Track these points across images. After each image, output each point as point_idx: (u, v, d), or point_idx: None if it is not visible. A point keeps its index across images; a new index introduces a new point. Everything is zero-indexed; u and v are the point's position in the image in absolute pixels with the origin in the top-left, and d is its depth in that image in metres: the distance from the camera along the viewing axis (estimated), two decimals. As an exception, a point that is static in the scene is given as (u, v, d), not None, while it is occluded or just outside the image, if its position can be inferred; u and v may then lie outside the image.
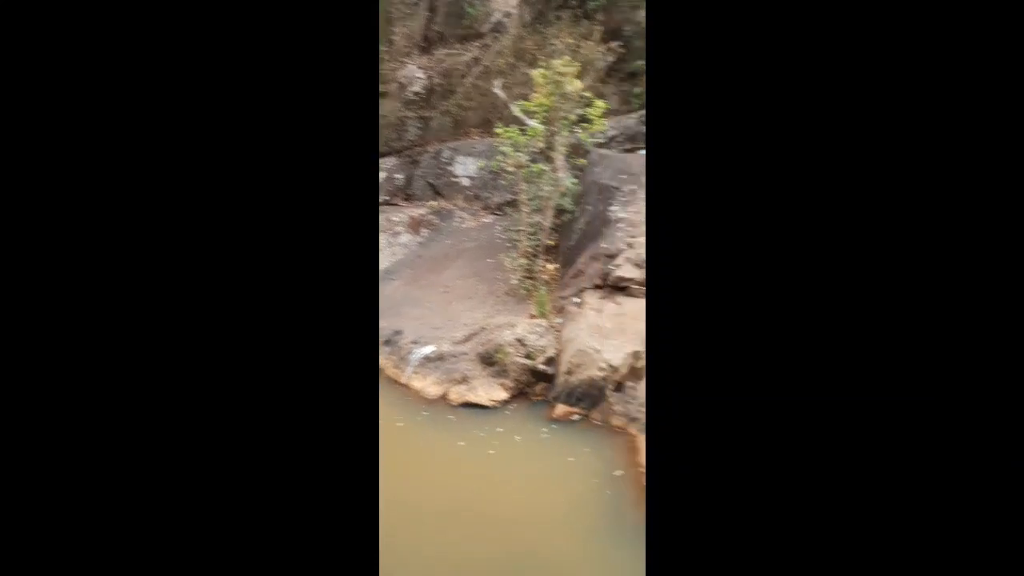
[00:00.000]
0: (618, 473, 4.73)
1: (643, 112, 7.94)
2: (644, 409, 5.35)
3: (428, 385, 5.68)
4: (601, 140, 7.62)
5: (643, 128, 7.83)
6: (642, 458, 4.91)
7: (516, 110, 7.27)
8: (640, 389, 5.48)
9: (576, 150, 7.35)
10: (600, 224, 6.68)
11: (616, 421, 5.34)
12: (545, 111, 6.68)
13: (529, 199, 6.90)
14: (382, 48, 7.90)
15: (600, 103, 6.74)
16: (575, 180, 7.11)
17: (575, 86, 6.59)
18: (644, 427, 5.18)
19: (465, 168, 8.37)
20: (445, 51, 8.34)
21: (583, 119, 6.77)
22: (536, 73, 6.66)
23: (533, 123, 6.78)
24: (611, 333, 5.77)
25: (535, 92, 6.73)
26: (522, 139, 6.61)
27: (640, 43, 8.15)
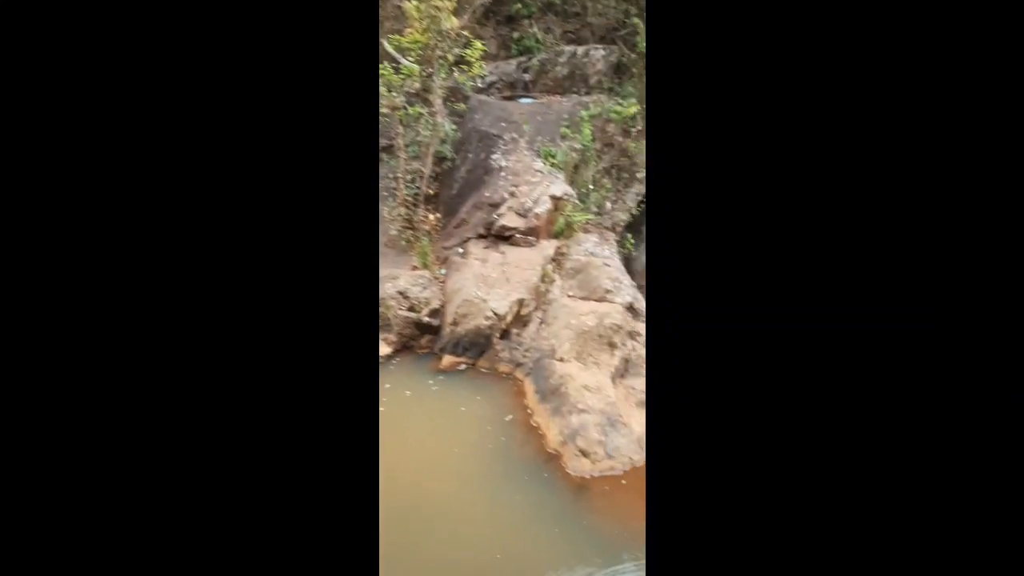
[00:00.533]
0: (509, 418, 4.85)
1: (521, 58, 7.81)
2: (529, 354, 5.50)
3: (304, 345, 5.27)
4: (480, 86, 7.39)
5: (523, 75, 7.73)
6: (529, 400, 5.08)
7: (388, 46, 6.71)
8: (526, 335, 5.61)
9: (454, 94, 7.06)
10: (482, 173, 6.56)
11: (503, 368, 5.44)
12: (420, 49, 6.25)
13: (407, 144, 6.52)
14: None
15: (479, 44, 6.47)
16: (454, 126, 6.84)
17: (452, 23, 6.24)
18: (528, 372, 5.35)
19: (332, 109, 7.62)
20: (303, -28, 7.34)
21: (461, 61, 6.47)
22: (409, 6, 6.17)
23: (407, 62, 6.33)
24: (496, 282, 5.79)
25: (409, 27, 6.25)
26: (396, 79, 6.15)
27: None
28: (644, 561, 3.79)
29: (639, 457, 4.52)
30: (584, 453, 4.49)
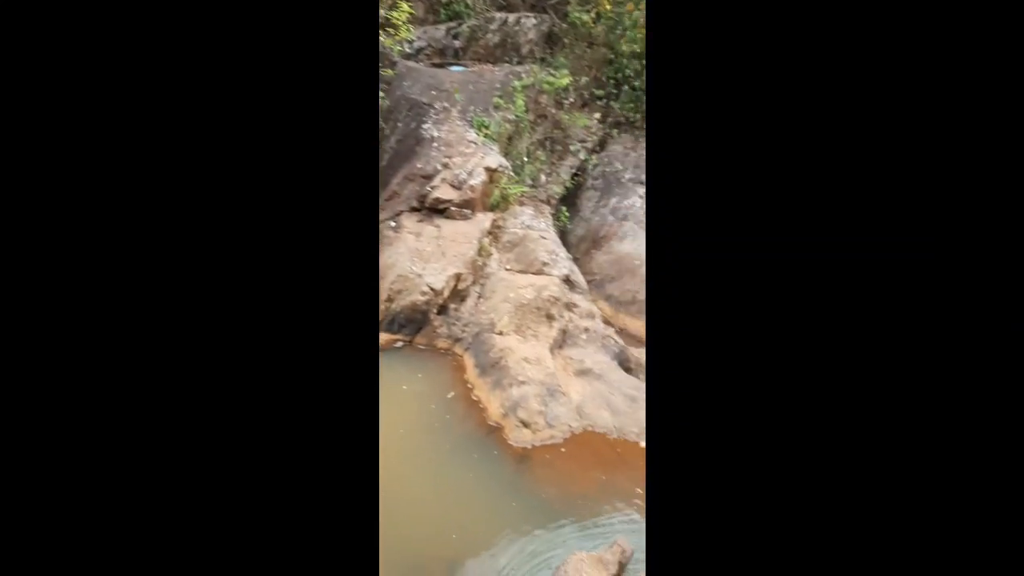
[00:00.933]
0: (451, 395, 4.81)
1: (451, 23, 7.53)
2: (467, 329, 5.47)
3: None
4: (408, 51, 7.07)
5: (453, 42, 7.46)
6: (469, 375, 5.07)
7: (307, 4, 6.23)
8: (464, 310, 5.56)
9: (381, 59, 6.70)
10: (413, 143, 6.33)
11: (441, 344, 5.37)
12: (344, 9, 5.86)
13: (331, 112, 6.14)
14: None
15: (405, 6, 6.16)
16: (382, 94, 6.52)
17: (377, -17, 5.88)
18: (468, 347, 5.32)
19: (245, 71, 7.03)
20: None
21: (387, 23, 6.13)
22: (330, -40, 5.73)
23: (330, 22, 5.91)
24: (432, 256, 5.66)
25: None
26: (318, 40, 5.74)
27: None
28: (585, 523, 3.95)
29: (577, 424, 4.65)
30: (525, 424, 4.56)
